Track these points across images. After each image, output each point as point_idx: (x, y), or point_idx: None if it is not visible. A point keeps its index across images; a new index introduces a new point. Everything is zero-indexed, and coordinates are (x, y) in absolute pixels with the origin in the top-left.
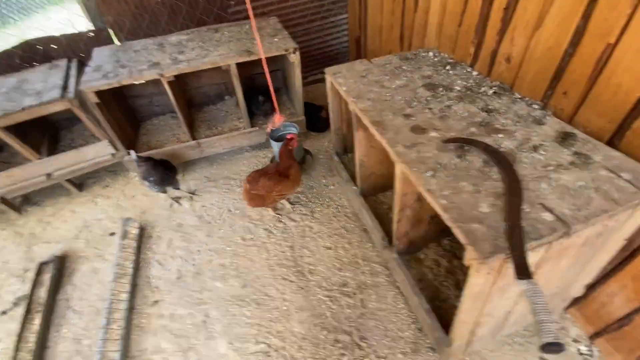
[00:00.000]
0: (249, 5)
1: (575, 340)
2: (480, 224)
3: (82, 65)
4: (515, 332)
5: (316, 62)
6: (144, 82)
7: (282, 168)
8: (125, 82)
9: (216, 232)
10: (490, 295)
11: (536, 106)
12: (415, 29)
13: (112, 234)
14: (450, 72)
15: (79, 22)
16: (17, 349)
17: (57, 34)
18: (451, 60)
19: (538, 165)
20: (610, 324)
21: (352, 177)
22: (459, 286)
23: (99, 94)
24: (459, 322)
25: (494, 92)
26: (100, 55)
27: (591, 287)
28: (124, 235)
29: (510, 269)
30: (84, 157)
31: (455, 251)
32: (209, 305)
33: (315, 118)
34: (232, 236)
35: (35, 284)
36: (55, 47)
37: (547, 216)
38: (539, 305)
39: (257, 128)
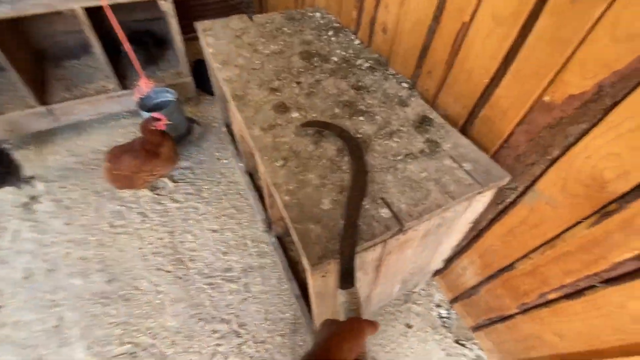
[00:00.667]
0: None
1: (437, 305)
2: (317, 223)
3: None
4: (389, 302)
5: (214, 11)
6: None
7: (150, 145)
8: None
9: (78, 219)
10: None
11: (405, 85)
12: None
13: None
14: (333, 38)
15: None
16: None
17: None
18: (337, 25)
19: (389, 154)
20: (463, 292)
21: (239, 153)
22: None
23: None
24: (315, 313)
25: (370, 67)
26: None
27: (449, 260)
28: None
29: None
30: None
31: None
32: (64, 306)
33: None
34: (98, 223)
35: None
36: None
37: (385, 213)
38: None
39: (130, 90)
